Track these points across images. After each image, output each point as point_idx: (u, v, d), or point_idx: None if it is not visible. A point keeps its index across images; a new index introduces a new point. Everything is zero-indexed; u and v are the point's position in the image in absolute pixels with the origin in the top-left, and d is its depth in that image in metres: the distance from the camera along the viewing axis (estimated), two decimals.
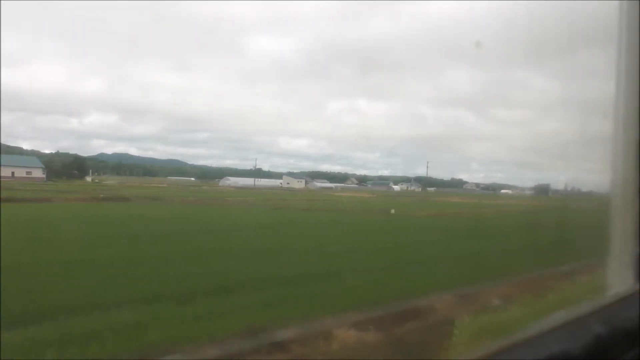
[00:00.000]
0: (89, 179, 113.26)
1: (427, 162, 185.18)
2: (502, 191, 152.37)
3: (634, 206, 2.28)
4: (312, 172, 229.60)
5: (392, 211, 41.42)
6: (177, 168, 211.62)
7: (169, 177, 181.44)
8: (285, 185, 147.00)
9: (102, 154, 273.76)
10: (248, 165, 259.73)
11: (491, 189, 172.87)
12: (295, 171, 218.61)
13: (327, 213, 41.62)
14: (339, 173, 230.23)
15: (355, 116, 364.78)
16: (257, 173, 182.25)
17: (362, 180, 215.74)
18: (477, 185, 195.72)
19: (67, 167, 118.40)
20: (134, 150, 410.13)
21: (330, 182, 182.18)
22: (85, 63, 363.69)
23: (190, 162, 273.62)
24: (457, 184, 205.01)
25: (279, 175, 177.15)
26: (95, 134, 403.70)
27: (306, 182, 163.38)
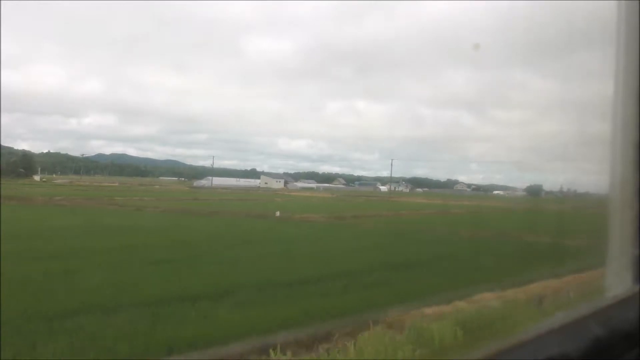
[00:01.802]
0: (37, 177, 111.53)
1: (392, 161, 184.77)
2: (495, 192, 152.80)
3: (632, 208, 2.27)
4: (308, 172, 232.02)
5: (277, 214, 38.62)
6: (170, 168, 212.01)
7: (160, 178, 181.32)
8: (262, 186, 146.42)
9: (99, 155, 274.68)
10: (244, 165, 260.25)
11: (482, 190, 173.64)
12: (291, 172, 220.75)
13: (201, 217, 37.32)
14: (336, 174, 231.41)
15: (354, 117, 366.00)
16: (251, 173, 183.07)
17: (350, 180, 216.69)
18: (469, 186, 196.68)
19: (12, 166, 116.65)
20: (132, 151, 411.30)
21: (318, 183, 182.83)
22: (84, 64, 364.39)
23: (188, 163, 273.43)
24: (449, 184, 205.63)
25: (278, 176, 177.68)
26: (94, 134, 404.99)
27: (285, 183, 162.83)
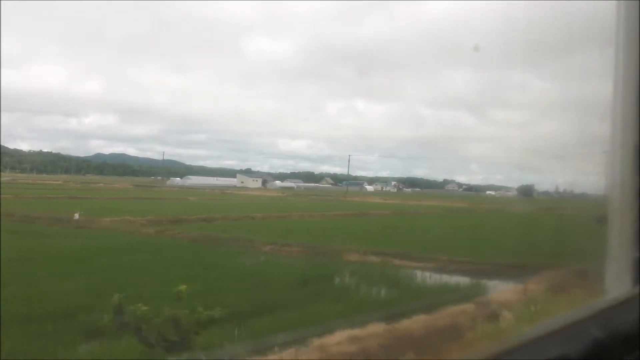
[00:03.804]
0: None
1: (350, 157, 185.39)
2: (488, 192, 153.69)
3: (632, 209, 2.27)
4: (305, 172, 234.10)
5: (76, 216, 31.47)
6: (167, 168, 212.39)
7: (151, 178, 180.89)
8: (239, 185, 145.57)
9: (99, 155, 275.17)
10: (243, 166, 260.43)
11: (474, 190, 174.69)
12: (286, 172, 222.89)
13: None
14: (334, 174, 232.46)
15: (354, 117, 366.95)
16: (245, 173, 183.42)
17: (338, 180, 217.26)
18: (460, 186, 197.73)
19: None
20: (132, 151, 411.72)
21: (306, 183, 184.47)
22: (84, 64, 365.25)
23: (187, 163, 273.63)
24: (442, 184, 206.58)
25: (258, 175, 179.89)
26: (94, 134, 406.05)
27: (264, 182, 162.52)
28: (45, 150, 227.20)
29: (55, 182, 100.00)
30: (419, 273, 18.99)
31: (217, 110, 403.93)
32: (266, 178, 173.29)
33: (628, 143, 2.27)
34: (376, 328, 10.23)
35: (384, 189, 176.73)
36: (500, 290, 15.81)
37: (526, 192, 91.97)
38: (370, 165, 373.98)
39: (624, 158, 2.26)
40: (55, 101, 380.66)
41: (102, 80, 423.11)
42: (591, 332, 1.71)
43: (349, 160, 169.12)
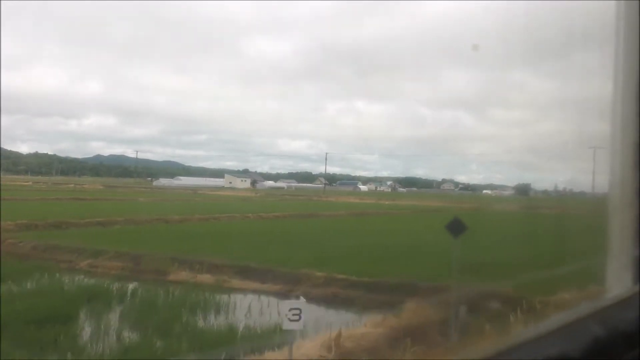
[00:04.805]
0: None
1: (326, 154, 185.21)
2: (484, 191, 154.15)
3: (632, 208, 2.27)
4: (303, 172, 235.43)
5: None
6: (165, 169, 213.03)
7: (147, 178, 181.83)
8: (227, 185, 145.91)
9: (98, 156, 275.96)
10: (243, 166, 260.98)
11: (471, 189, 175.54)
12: (283, 172, 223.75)
13: None
14: (333, 175, 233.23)
15: (354, 118, 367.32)
16: (242, 174, 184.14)
17: (335, 180, 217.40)
18: (457, 185, 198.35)
19: None
20: (131, 152, 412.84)
21: (299, 182, 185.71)
22: (84, 65, 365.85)
23: (187, 164, 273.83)
24: (439, 184, 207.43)
25: (248, 175, 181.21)
26: (94, 136, 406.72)
27: (254, 182, 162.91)
28: (45, 152, 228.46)
29: (25, 183, 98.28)
30: (243, 301, 14.77)
31: (217, 111, 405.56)
32: (256, 178, 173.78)
33: (628, 141, 2.27)
34: None
35: (379, 189, 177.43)
36: (308, 338, 10.15)
37: (523, 190, 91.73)
38: (371, 165, 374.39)
39: (624, 156, 2.27)
40: (56, 103, 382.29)
41: (102, 81, 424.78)
42: (591, 330, 1.71)
43: (325, 159, 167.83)
